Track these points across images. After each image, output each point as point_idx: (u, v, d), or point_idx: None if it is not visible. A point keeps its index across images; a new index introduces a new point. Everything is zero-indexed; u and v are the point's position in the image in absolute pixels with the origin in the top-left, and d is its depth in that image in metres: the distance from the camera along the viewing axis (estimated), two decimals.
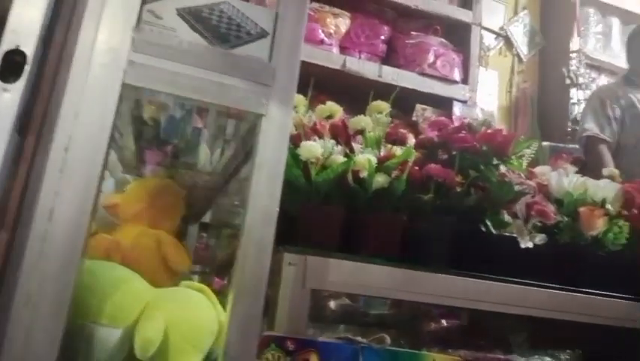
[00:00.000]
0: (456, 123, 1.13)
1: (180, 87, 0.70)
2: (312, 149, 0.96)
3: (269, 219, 0.70)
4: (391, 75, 2.12)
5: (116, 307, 0.67)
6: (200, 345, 0.71)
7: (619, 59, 2.57)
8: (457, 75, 2.22)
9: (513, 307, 0.98)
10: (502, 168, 0.99)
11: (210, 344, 0.73)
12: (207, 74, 0.71)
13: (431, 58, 2.20)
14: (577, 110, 2.38)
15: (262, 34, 0.75)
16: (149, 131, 1.24)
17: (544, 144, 2.18)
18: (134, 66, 0.69)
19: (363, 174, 0.97)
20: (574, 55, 2.46)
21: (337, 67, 2.07)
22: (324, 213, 0.99)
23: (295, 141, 1.01)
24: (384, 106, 1.11)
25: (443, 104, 2.20)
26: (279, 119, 0.73)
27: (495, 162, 0.99)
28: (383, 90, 1.21)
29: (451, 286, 0.95)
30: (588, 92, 2.36)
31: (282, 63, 0.75)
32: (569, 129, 2.37)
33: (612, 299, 1.06)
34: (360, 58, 2.15)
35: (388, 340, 0.86)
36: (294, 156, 0.98)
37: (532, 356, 1.08)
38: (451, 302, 0.99)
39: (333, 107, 1.06)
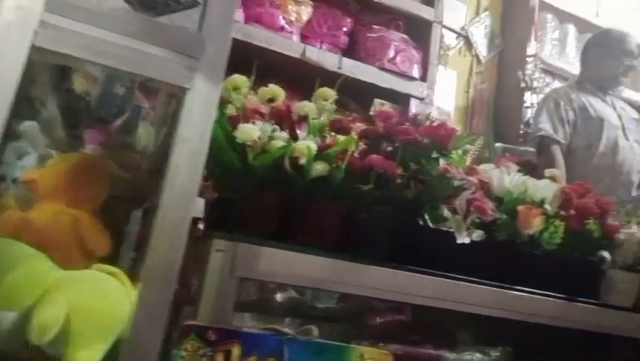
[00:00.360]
0: None
1: (95, 53, 0.65)
2: (250, 131, 0.93)
3: (187, 199, 0.66)
4: (351, 68, 2.09)
5: (10, 288, 0.62)
6: (105, 332, 0.66)
7: (572, 65, 2.63)
8: (415, 72, 2.21)
9: (446, 302, 0.98)
10: (442, 162, 0.98)
11: (119, 331, 0.68)
12: (127, 41, 0.66)
13: (391, 53, 2.19)
14: (530, 113, 2.43)
15: (192, 4, 0.71)
16: (83, 106, 1.17)
17: (498, 145, 2.20)
18: (46, 27, 0.63)
19: (302, 161, 0.94)
20: (530, 59, 2.50)
21: (297, 55, 2.02)
22: (260, 199, 0.95)
23: (233, 123, 0.97)
24: (329, 93, 1.08)
25: (401, 100, 2.19)
26: (205, 94, 0.69)
27: (435, 155, 0.97)
28: (342, 82, 1.17)
29: (385, 279, 0.93)
30: (542, 96, 2.40)
31: (213, 35, 0.70)
32: (522, 132, 2.41)
33: (544, 298, 1.07)
34: (320, 48, 2.11)
35: (315, 331, 0.84)
36: (230, 138, 0.94)
37: (463, 352, 1.08)
38: (384, 295, 0.97)
39: (275, 90, 1.02)
